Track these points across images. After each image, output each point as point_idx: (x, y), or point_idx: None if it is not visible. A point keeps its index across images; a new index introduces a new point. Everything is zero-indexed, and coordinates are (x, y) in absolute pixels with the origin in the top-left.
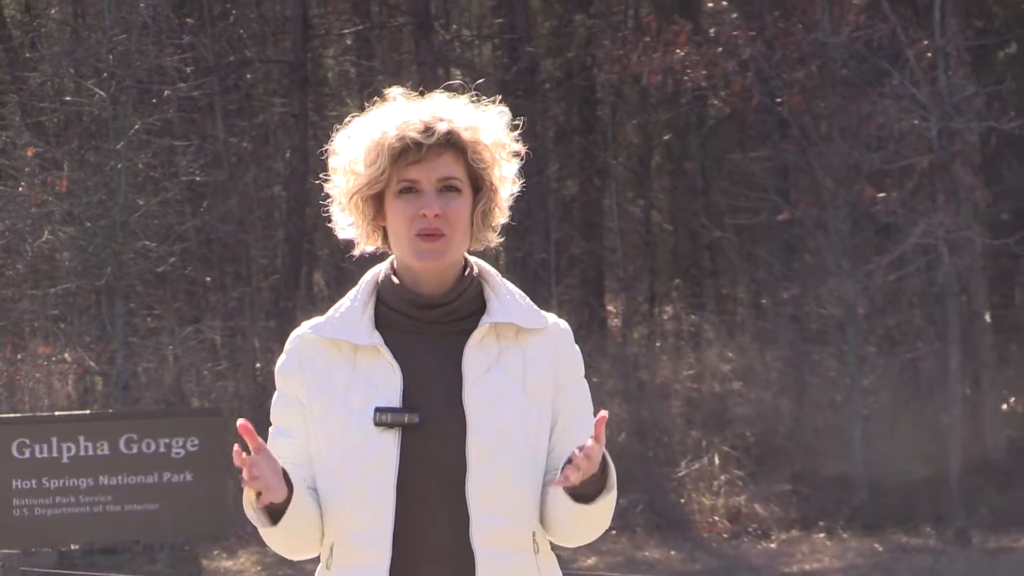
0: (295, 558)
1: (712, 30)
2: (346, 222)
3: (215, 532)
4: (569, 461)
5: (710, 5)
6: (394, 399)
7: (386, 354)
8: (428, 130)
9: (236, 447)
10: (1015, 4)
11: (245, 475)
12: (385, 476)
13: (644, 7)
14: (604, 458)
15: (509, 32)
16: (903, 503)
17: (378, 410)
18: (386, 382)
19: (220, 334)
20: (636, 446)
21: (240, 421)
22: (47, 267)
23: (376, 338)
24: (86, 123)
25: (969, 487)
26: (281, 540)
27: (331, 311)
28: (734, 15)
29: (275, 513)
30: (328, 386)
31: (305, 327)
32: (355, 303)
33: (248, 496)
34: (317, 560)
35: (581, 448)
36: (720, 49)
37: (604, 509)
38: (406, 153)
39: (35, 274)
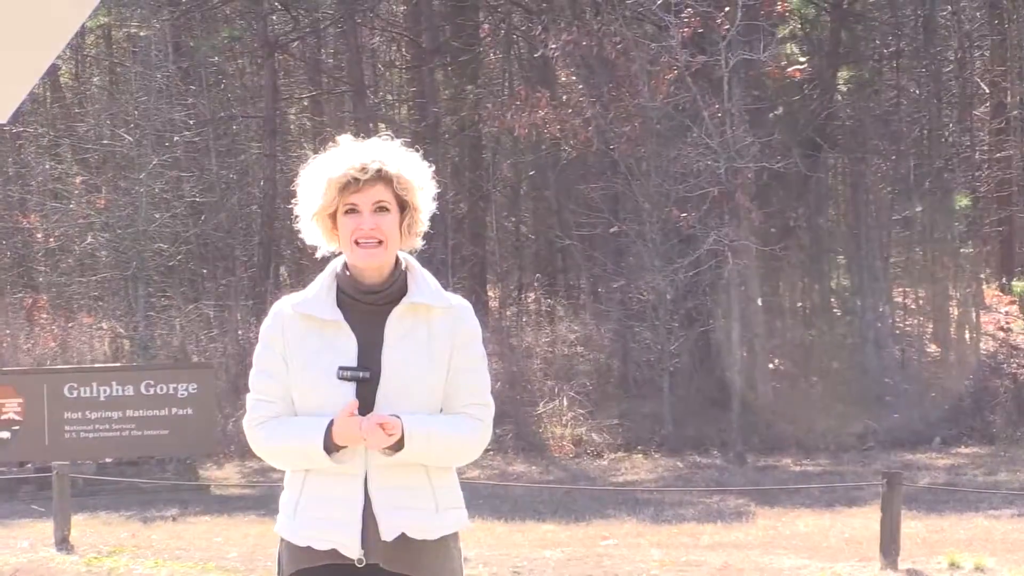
0: (280, 467)
1: (564, 96)
2: (311, 234)
3: (208, 450)
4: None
5: (563, 79)
6: (352, 360)
7: (345, 327)
8: (364, 168)
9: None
10: (781, 79)
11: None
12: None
13: (516, 80)
14: (403, 433)
15: (420, 97)
16: (697, 433)
17: (341, 368)
18: (346, 348)
19: (213, 310)
20: (507, 392)
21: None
22: (90, 261)
23: (338, 315)
24: (118, 159)
25: (745, 422)
26: (293, 458)
27: (304, 293)
28: (580, 86)
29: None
30: (303, 348)
31: (286, 303)
32: (321, 289)
33: (321, 440)
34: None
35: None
36: (570, 111)
37: (422, 454)
38: (349, 185)
39: (81, 266)
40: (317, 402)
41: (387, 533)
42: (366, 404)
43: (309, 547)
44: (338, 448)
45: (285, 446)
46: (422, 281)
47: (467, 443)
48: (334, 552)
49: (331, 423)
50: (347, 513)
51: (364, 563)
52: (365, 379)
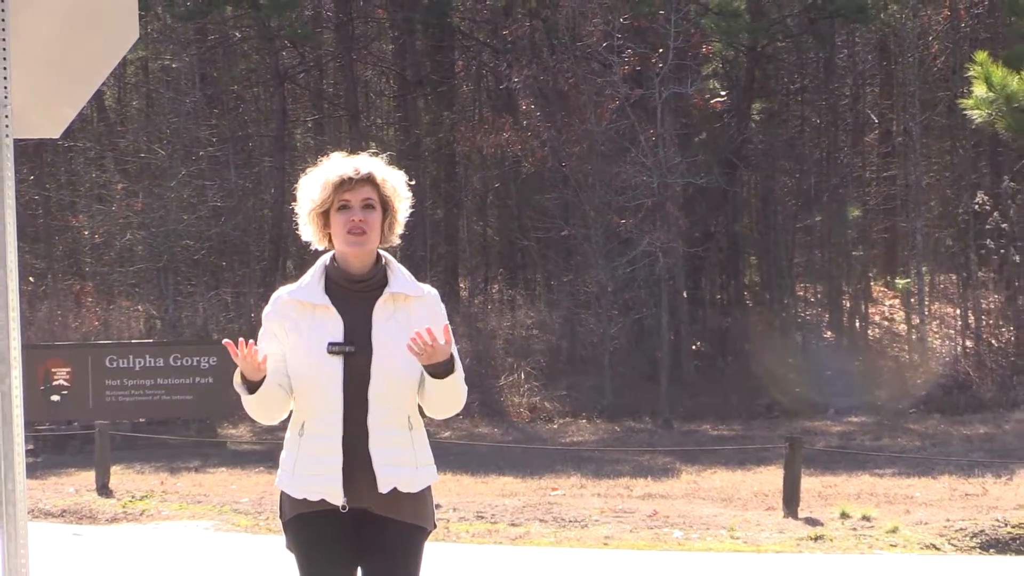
0: (262, 422)
1: (524, 122)
2: (307, 231)
3: (225, 413)
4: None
5: (523, 107)
6: (339, 337)
7: (333, 310)
8: (356, 171)
9: (228, 343)
10: (704, 110)
11: (243, 361)
12: (336, 382)
13: (484, 108)
14: (452, 355)
15: (405, 121)
16: (632, 402)
17: (330, 344)
18: (334, 327)
19: (230, 296)
20: (475, 366)
21: (224, 340)
22: (128, 255)
23: (326, 300)
24: (153, 170)
25: (672, 394)
26: (255, 408)
27: (299, 282)
28: (537, 113)
29: (252, 387)
30: (297, 328)
31: (283, 292)
32: (312, 278)
33: (236, 376)
34: (285, 426)
35: (418, 334)
36: (529, 133)
37: (453, 385)
38: (343, 184)
39: (121, 259)
40: (310, 373)
41: (383, 486)
42: (361, 376)
43: (305, 498)
44: (248, 381)
45: (246, 401)
46: (399, 274)
47: (464, 392)
48: (323, 501)
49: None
50: (330, 469)
51: (348, 509)
52: (351, 353)
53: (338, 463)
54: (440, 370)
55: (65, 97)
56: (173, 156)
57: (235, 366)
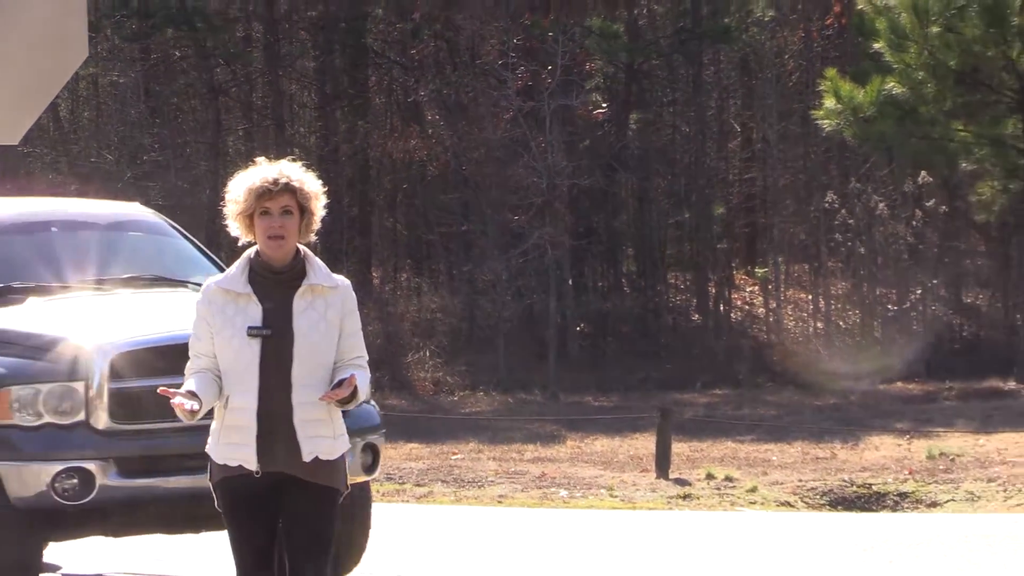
0: None
1: (430, 130)
2: (235, 228)
3: None
4: (339, 384)
5: (429, 117)
6: (258, 322)
7: (254, 298)
8: (275, 182)
9: (163, 390)
10: (588, 119)
11: (182, 413)
12: (254, 362)
13: (395, 118)
14: (355, 389)
15: (325, 130)
16: (523, 377)
17: (250, 328)
18: (254, 313)
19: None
20: (385, 345)
21: (160, 389)
22: None
23: (248, 289)
24: (102, 173)
25: (559, 370)
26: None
27: (225, 273)
28: (441, 123)
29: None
30: (223, 314)
31: (212, 282)
32: (237, 270)
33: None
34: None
35: (339, 383)
36: (433, 140)
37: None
38: (264, 194)
39: None
40: (232, 355)
41: (307, 456)
42: (284, 358)
43: (225, 464)
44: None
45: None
46: (316, 266)
47: (368, 384)
48: (239, 468)
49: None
50: (246, 438)
51: (260, 474)
52: (268, 336)
53: (253, 434)
54: (346, 402)
55: (24, 108)
56: (120, 161)
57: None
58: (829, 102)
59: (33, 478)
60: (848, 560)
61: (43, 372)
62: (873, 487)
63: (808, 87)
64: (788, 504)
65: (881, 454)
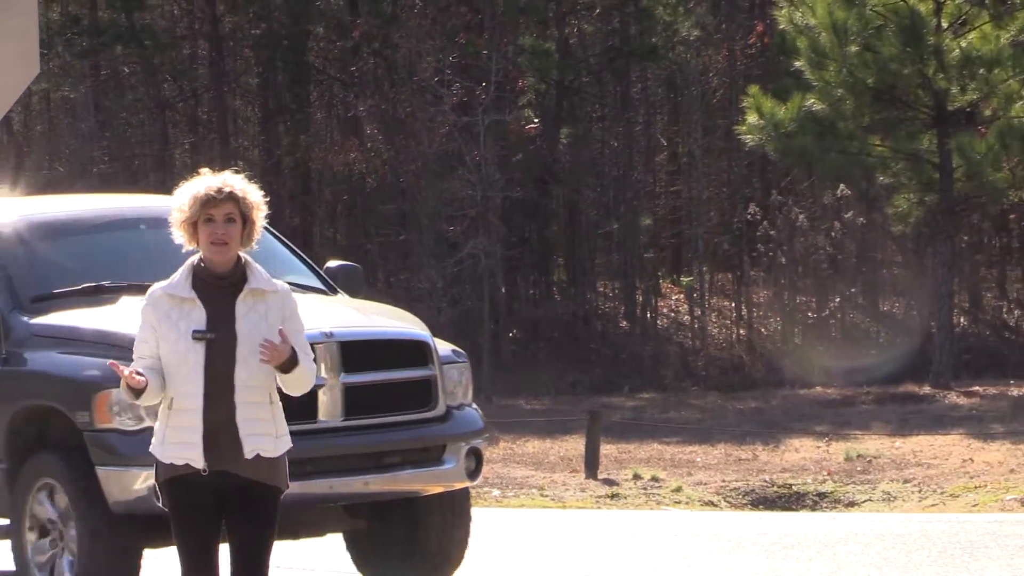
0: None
1: (368, 144)
2: (179, 235)
3: None
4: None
5: (368, 132)
6: (202, 326)
7: (198, 303)
8: (219, 190)
9: (113, 363)
10: (521, 134)
11: (128, 383)
12: (199, 364)
13: (335, 132)
14: (294, 352)
15: (267, 144)
16: None
17: (194, 331)
18: (198, 317)
19: None
20: None
21: (110, 361)
22: None
23: (192, 294)
24: (53, 184)
25: (492, 374)
26: (140, 403)
27: (170, 279)
28: (379, 137)
29: (136, 395)
30: (168, 318)
31: (157, 287)
32: (181, 276)
33: (122, 386)
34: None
35: (267, 342)
36: (372, 154)
37: (300, 372)
38: (208, 202)
39: None
40: (177, 358)
41: (248, 453)
42: (227, 360)
43: (172, 463)
44: (134, 393)
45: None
46: (257, 272)
47: (311, 374)
48: (186, 466)
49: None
50: (192, 437)
51: (208, 472)
52: (212, 339)
53: (199, 433)
54: (286, 366)
55: None
56: (71, 173)
57: None
58: (752, 118)
59: (134, 483)
60: (769, 557)
61: None
62: (793, 487)
63: (732, 103)
64: (712, 504)
65: (801, 456)
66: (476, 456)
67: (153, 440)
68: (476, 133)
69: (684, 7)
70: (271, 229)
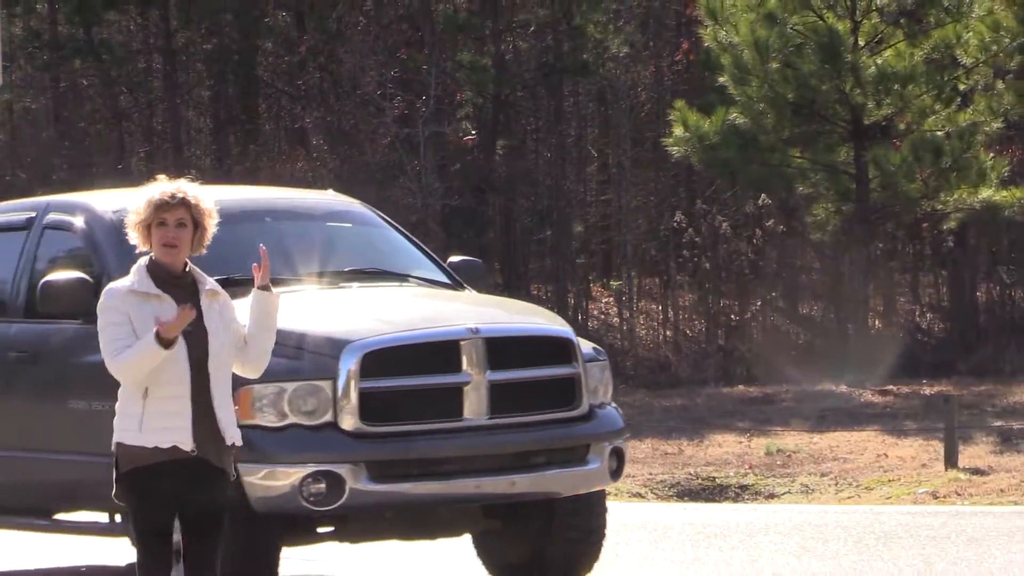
0: (134, 379)
1: (314, 154)
2: (134, 237)
3: None
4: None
5: (314, 142)
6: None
7: (168, 298)
8: (173, 195)
9: (184, 307)
10: (459, 145)
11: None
12: (183, 355)
13: (282, 143)
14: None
15: (219, 153)
16: None
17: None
18: (170, 309)
19: None
20: None
21: (187, 306)
22: None
23: (158, 291)
24: (15, 191)
25: None
26: (151, 364)
27: (127, 279)
28: (325, 147)
29: (170, 344)
30: (141, 314)
31: (116, 286)
32: (140, 275)
33: (152, 341)
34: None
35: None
36: (318, 163)
37: (273, 313)
38: (162, 206)
39: None
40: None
41: (229, 440)
42: (201, 352)
43: (156, 447)
44: (168, 342)
45: (137, 356)
46: (203, 276)
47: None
48: (173, 448)
49: (156, 332)
50: (180, 422)
51: (196, 454)
52: (190, 331)
53: (188, 418)
54: (269, 286)
55: None
56: (32, 179)
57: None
58: (678, 130)
59: (277, 481)
60: (694, 546)
61: (287, 370)
62: (717, 480)
63: (659, 117)
64: (640, 495)
65: (724, 450)
66: (618, 456)
67: (121, 427)
68: (416, 144)
69: (614, 25)
70: (397, 226)
